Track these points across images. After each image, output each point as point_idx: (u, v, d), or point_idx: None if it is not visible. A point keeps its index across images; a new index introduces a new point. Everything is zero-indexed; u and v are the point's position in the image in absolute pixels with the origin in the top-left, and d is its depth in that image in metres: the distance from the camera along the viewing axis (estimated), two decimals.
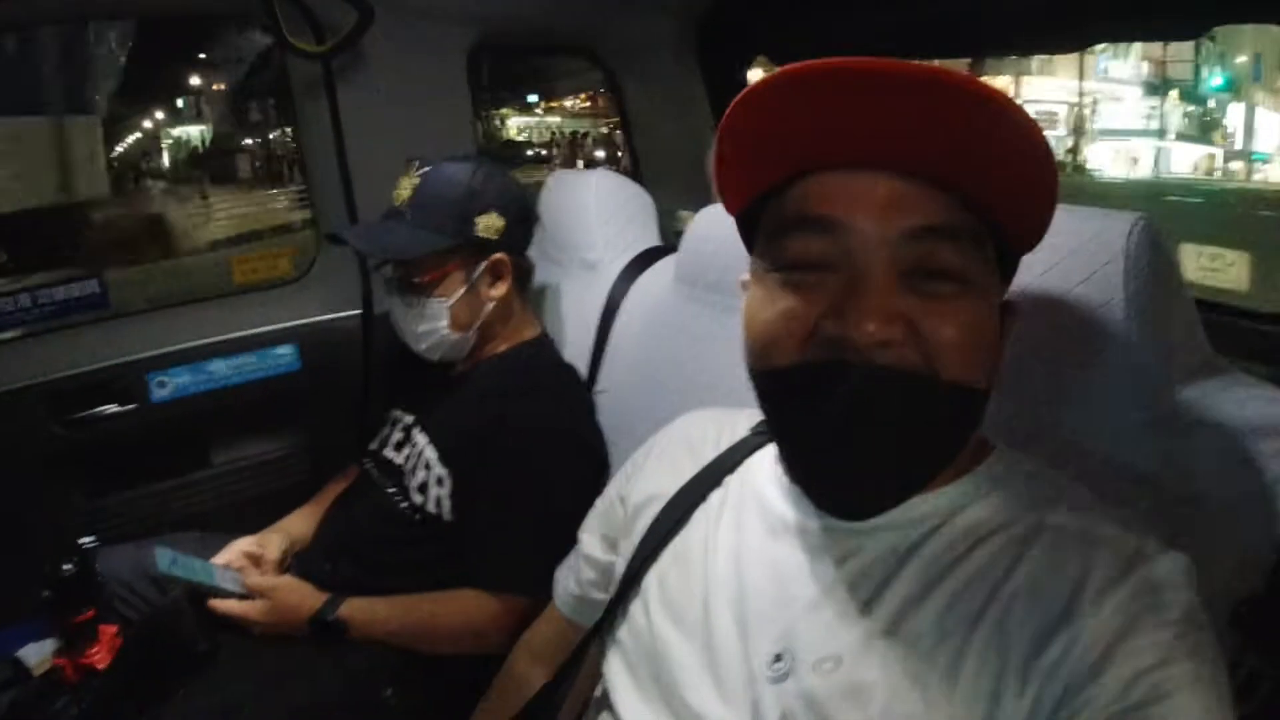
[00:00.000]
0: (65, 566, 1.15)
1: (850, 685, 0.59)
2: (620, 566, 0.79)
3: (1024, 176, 0.58)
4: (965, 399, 0.60)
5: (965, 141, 0.55)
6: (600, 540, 0.88)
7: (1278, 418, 0.72)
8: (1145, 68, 14.57)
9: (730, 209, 0.71)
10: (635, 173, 2.11)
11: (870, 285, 0.57)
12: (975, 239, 0.60)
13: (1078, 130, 14.81)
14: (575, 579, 0.90)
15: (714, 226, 1.28)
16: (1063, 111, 14.47)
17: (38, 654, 1.28)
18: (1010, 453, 0.69)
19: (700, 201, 1.36)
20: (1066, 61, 14.48)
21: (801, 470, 0.66)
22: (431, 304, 1.34)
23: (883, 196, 0.58)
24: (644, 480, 0.84)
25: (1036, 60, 14.68)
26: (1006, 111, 0.54)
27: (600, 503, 0.91)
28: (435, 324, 1.36)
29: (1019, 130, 0.55)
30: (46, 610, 1.18)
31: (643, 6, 1.91)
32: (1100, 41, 1.57)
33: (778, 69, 0.56)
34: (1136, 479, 0.74)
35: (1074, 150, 14.92)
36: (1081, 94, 14.60)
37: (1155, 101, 14.47)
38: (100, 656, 1.19)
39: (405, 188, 1.37)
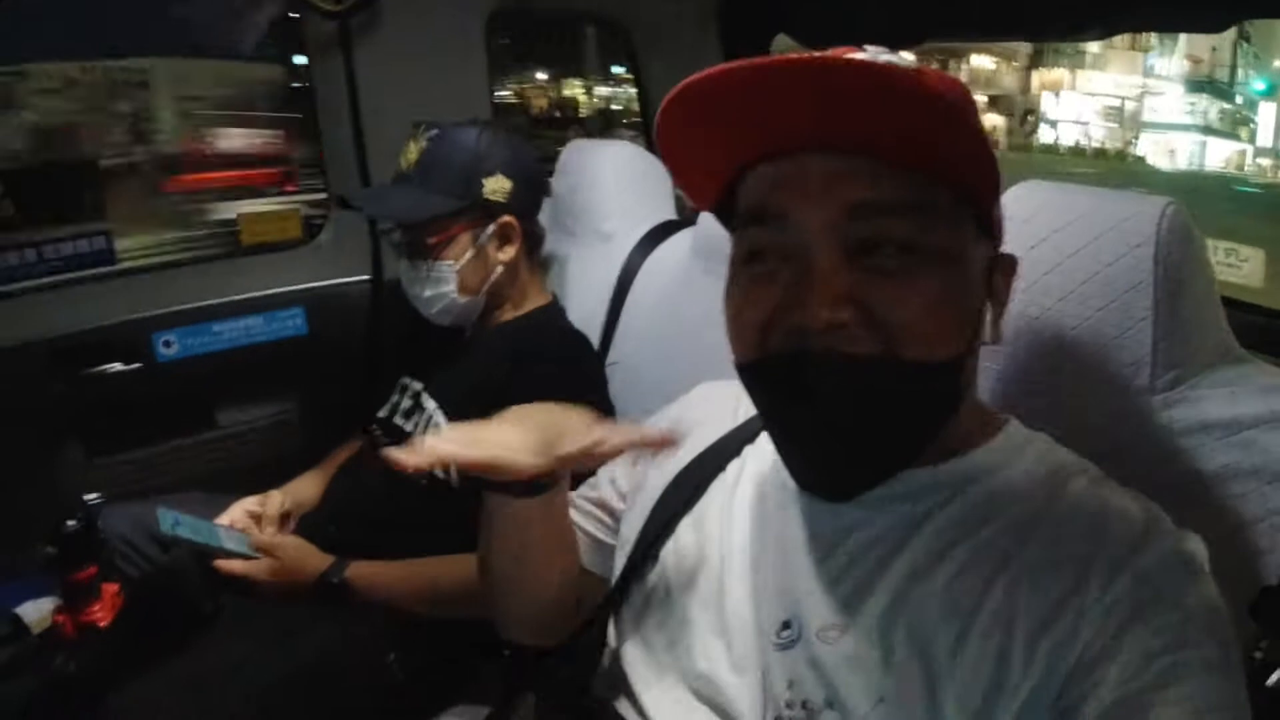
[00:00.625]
0: (69, 522, 1.14)
1: (854, 654, 0.60)
2: (634, 532, 0.79)
3: (954, 135, 0.56)
4: (929, 375, 0.59)
5: (885, 117, 0.54)
6: (615, 492, 0.87)
7: None
8: (1186, 65, 15.28)
9: (701, 207, 0.73)
10: (652, 147, 2.09)
11: (817, 270, 0.58)
12: (923, 206, 0.58)
13: (1134, 123, 15.50)
14: (589, 526, 0.88)
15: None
16: (1115, 104, 15.33)
17: (37, 611, 1.27)
18: (1023, 428, 0.69)
19: None
20: (1118, 57, 15.30)
21: (783, 456, 0.67)
22: (439, 267, 1.33)
23: (820, 177, 0.58)
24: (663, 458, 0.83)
25: (1090, 55, 15.55)
26: (912, 87, 0.52)
27: (617, 462, 0.89)
28: (443, 288, 1.34)
29: (932, 100, 0.53)
30: (48, 566, 1.16)
31: None
32: (1126, 30, 1.55)
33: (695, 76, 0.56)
34: (1155, 460, 0.74)
35: (1130, 142, 15.69)
36: (1130, 89, 15.58)
37: (1194, 98, 15.28)
38: (101, 614, 1.18)
39: (412, 151, 1.36)
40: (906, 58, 0.64)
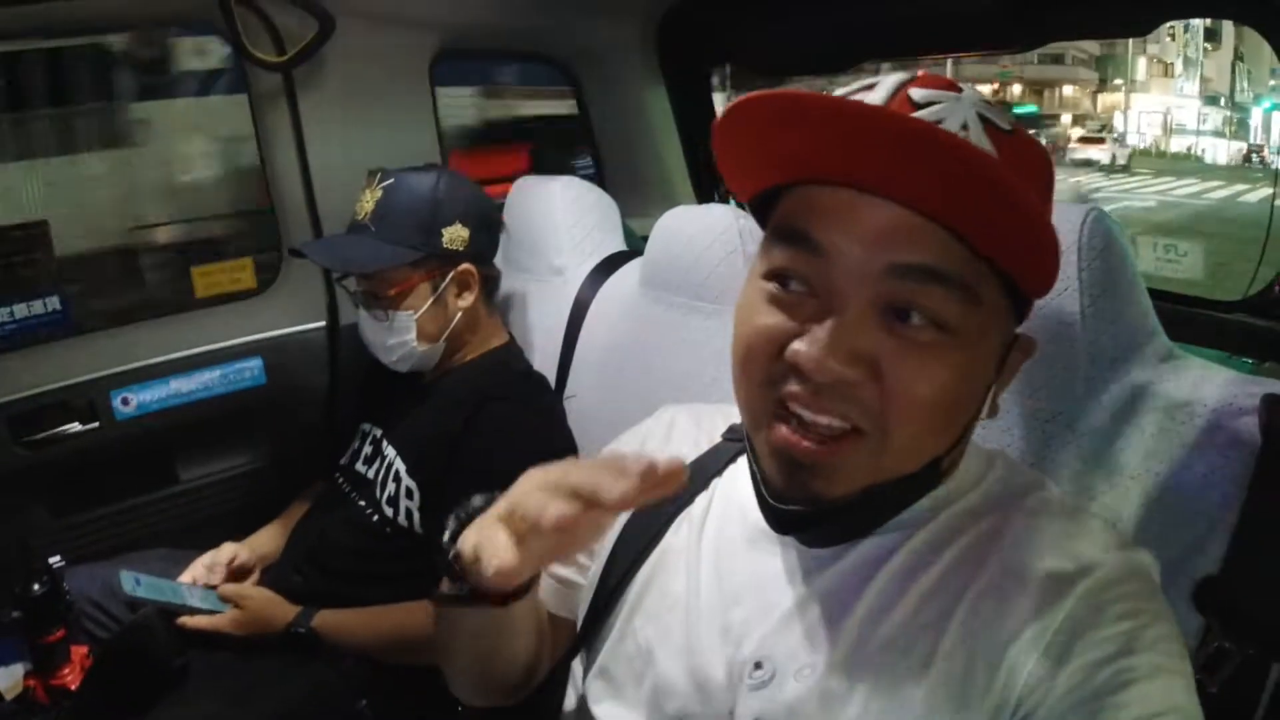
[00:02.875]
0: (34, 586, 1.14)
1: (825, 692, 0.61)
2: (598, 567, 0.79)
3: (1021, 226, 0.53)
4: (913, 479, 0.61)
5: (960, 188, 0.51)
6: None
7: (1231, 399, 0.74)
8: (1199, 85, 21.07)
9: (740, 199, 0.68)
10: (599, 177, 2.12)
11: (844, 318, 0.55)
12: (969, 286, 0.55)
13: (1167, 130, 20.68)
14: (558, 569, 0.84)
15: (678, 228, 1.30)
16: (1159, 118, 20.79)
17: (8, 678, 1.26)
18: (983, 450, 0.70)
19: (663, 205, 1.38)
20: (1157, 83, 21.29)
21: (759, 500, 0.66)
22: (399, 317, 1.34)
23: (875, 224, 0.55)
24: None
25: (1137, 82, 21.25)
26: (992, 177, 0.50)
27: None
28: (403, 336, 1.35)
29: (1011, 195, 0.51)
30: (16, 631, 1.17)
31: (602, 11, 1.92)
32: (1054, 39, 1.60)
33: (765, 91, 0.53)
34: (1094, 460, 0.76)
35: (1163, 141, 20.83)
36: (1166, 106, 21.00)
37: (1206, 109, 20.45)
38: (72, 677, 1.18)
39: (368, 200, 1.36)
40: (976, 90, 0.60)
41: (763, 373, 0.59)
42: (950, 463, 0.64)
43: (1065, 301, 0.76)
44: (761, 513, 0.66)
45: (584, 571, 0.82)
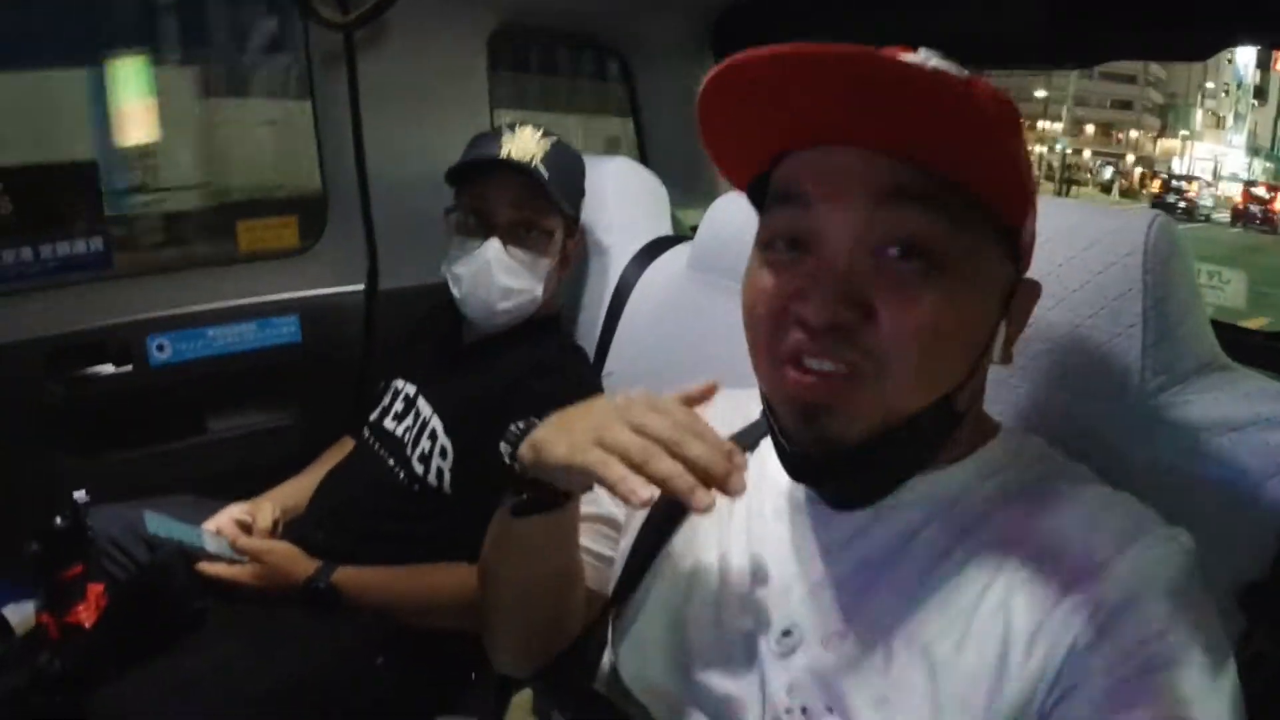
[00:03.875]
0: (57, 520, 1.13)
1: (855, 659, 0.61)
2: (629, 541, 0.79)
3: (986, 140, 0.55)
4: (921, 419, 0.61)
5: (922, 122, 0.54)
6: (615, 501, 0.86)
7: None
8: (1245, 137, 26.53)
9: (738, 186, 0.72)
10: (649, 165, 2.12)
11: (834, 264, 0.58)
12: (944, 203, 0.57)
13: (1216, 175, 24.92)
14: (594, 544, 0.86)
15: (731, 213, 1.30)
16: (1210, 164, 25.53)
17: (20, 613, 1.25)
18: (1018, 433, 0.71)
19: (706, 199, 1.37)
20: (1209, 134, 25.26)
21: (778, 454, 0.67)
22: (542, 263, 1.35)
23: (850, 166, 0.58)
24: None
25: (1193, 132, 25.45)
26: (952, 98, 0.52)
27: None
28: (534, 282, 1.34)
29: (972, 113, 0.53)
30: (33, 564, 1.15)
31: (663, 4, 1.93)
32: (1105, 60, 1.59)
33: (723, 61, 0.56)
34: (1145, 465, 0.76)
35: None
36: (1215, 154, 26.35)
37: (1247, 158, 25.45)
38: (86, 614, 1.16)
39: (531, 144, 1.33)
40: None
41: (769, 331, 0.62)
42: (966, 403, 0.65)
43: (1128, 303, 0.75)
44: (782, 465, 0.66)
45: (616, 545, 0.83)
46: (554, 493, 0.70)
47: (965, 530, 0.63)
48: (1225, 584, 0.69)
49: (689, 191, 1.91)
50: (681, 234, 1.64)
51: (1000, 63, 1.91)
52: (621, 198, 1.59)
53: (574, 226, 1.42)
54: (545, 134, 1.36)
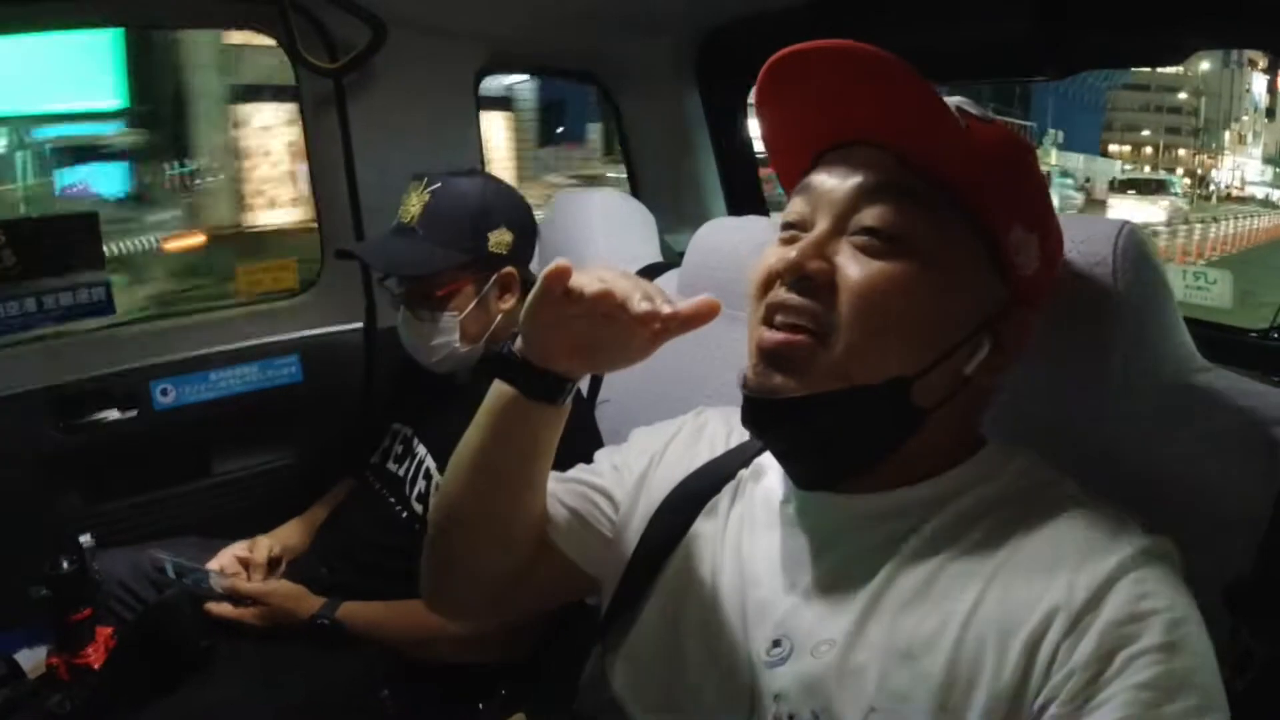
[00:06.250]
0: (64, 564, 1.15)
1: (844, 667, 0.62)
2: (624, 551, 0.80)
3: (931, 122, 0.64)
4: (867, 397, 0.64)
5: (880, 97, 0.64)
6: (617, 480, 0.85)
7: (1263, 410, 0.75)
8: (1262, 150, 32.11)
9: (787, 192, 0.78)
10: (634, 193, 2.14)
11: (814, 232, 0.67)
12: (909, 190, 0.65)
13: (1243, 183, 30.74)
14: (576, 504, 0.84)
15: (718, 239, 1.30)
16: (1236, 173, 31.50)
17: (33, 658, 1.27)
18: (1003, 445, 0.71)
19: (696, 223, 1.39)
20: (1236, 148, 31.61)
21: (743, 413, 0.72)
22: (444, 318, 1.35)
23: (847, 160, 0.68)
24: (665, 468, 0.84)
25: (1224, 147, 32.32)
26: (889, 72, 0.63)
27: (618, 456, 0.89)
28: (447, 337, 1.36)
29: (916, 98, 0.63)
30: (43, 608, 1.17)
31: (644, 32, 1.94)
32: (1084, 69, 1.61)
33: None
34: (1128, 470, 0.76)
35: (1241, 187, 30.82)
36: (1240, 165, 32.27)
37: (1264, 167, 30.87)
38: (95, 656, 1.18)
39: (415, 204, 1.37)
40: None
41: (757, 296, 0.69)
42: (930, 402, 0.66)
43: (1101, 311, 0.76)
44: (743, 420, 0.70)
45: (607, 521, 0.83)
46: (558, 378, 0.74)
47: (951, 537, 0.64)
48: (1211, 584, 0.69)
49: (678, 217, 1.94)
50: (671, 260, 1.65)
51: (987, 75, 1.93)
52: (609, 227, 1.62)
53: (492, 260, 1.37)
54: (428, 183, 1.37)
